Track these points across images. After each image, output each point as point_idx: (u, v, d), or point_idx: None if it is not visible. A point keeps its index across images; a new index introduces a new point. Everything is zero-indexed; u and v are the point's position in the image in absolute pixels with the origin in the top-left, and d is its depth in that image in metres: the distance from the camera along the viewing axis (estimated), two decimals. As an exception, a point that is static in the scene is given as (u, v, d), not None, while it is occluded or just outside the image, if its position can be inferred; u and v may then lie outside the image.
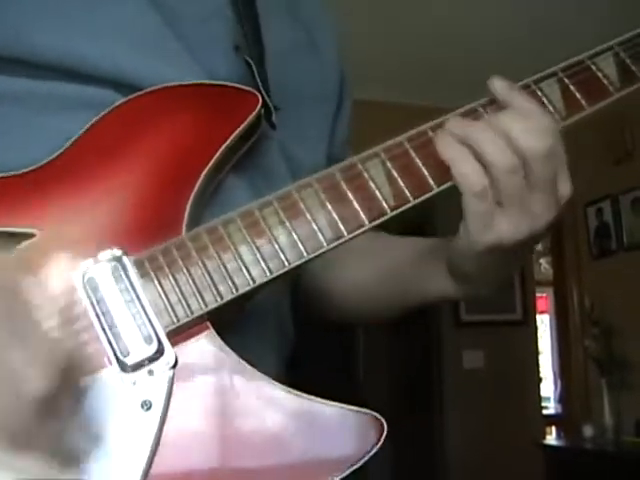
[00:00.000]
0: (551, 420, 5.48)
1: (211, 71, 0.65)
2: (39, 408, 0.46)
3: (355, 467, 0.53)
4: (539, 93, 0.64)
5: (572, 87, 0.65)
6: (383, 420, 0.54)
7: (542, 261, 6.25)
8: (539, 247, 6.03)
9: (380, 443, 0.53)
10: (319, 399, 0.55)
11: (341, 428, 0.54)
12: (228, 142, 0.60)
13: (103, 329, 0.53)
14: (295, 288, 0.78)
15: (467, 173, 0.57)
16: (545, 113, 0.60)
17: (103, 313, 0.53)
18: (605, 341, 3.69)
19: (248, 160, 0.65)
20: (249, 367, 0.55)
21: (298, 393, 0.55)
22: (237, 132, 0.60)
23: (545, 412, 5.08)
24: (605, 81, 0.66)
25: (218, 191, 0.63)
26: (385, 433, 0.53)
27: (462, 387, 3.97)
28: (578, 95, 0.64)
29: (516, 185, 0.56)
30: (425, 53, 3.34)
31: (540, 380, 4.45)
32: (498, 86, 0.61)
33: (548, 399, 6.53)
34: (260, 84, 0.68)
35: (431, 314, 4.14)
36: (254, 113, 0.61)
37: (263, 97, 0.64)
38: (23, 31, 0.62)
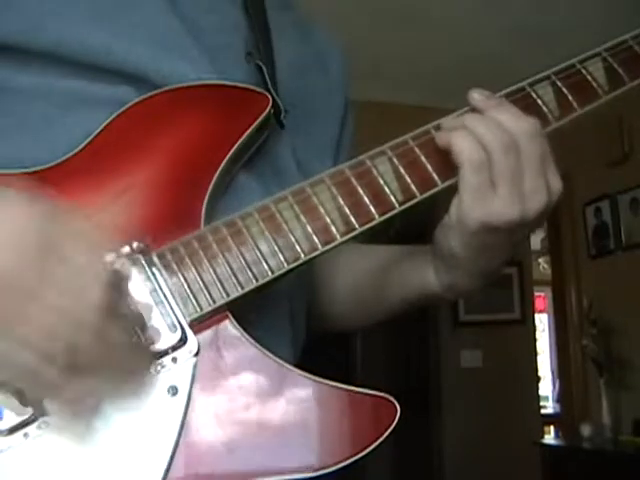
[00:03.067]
0: (549, 419, 5.49)
1: (225, 71, 0.68)
2: (100, 317, 0.48)
3: (372, 447, 0.55)
4: (533, 95, 0.68)
5: (564, 89, 0.69)
6: (396, 402, 0.56)
7: (540, 260, 6.26)
8: (537, 247, 6.04)
9: (394, 424, 0.55)
10: (336, 383, 0.57)
11: (357, 410, 0.57)
12: (241, 140, 0.63)
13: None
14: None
15: (465, 147, 0.61)
16: (526, 117, 0.63)
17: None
18: (603, 341, 3.69)
19: (260, 158, 0.68)
20: (268, 352, 0.57)
21: (316, 378, 0.57)
22: (249, 130, 0.63)
23: (543, 411, 5.09)
24: (594, 84, 0.70)
25: (231, 186, 0.65)
26: (398, 415, 0.55)
27: (460, 387, 3.97)
28: (570, 97, 0.69)
29: (509, 164, 0.60)
30: (431, 54, 3.34)
31: (538, 379, 4.45)
32: (477, 97, 0.65)
33: (546, 398, 6.55)
34: (270, 86, 0.70)
35: (430, 314, 4.14)
36: (265, 112, 0.64)
37: (273, 97, 0.66)
38: (48, 24, 0.63)
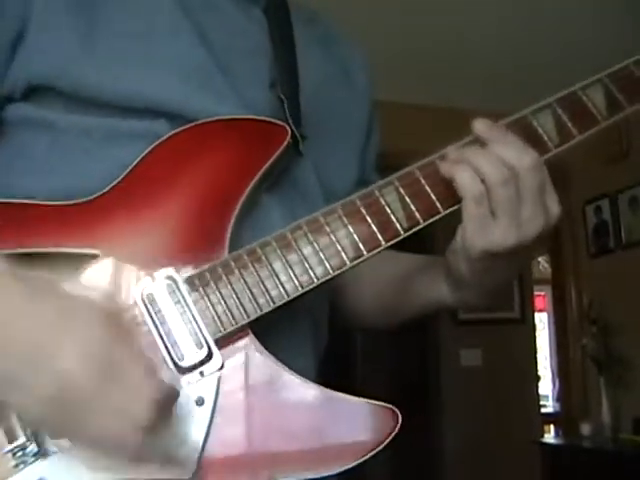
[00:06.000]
0: (549, 418, 5.49)
1: (249, 103, 0.74)
2: (146, 433, 0.55)
3: (376, 451, 0.63)
4: (535, 123, 0.72)
5: (564, 117, 0.73)
6: (398, 412, 0.64)
7: (540, 259, 6.26)
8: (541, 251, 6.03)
9: (396, 431, 0.63)
10: (344, 394, 0.65)
11: (362, 419, 0.65)
12: (262, 170, 0.69)
13: (161, 337, 0.63)
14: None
15: (467, 181, 0.66)
16: (527, 150, 0.68)
17: (161, 323, 0.63)
18: (603, 339, 3.69)
19: (282, 180, 0.74)
20: (284, 366, 0.65)
21: (325, 389, 0.65)
22: (270, 161, 0.69)
23: (543, 410, 5.09)
24: (594, 110, 0.74)
25: (255, 210, 0.71)
26: (400, 423, 0.63)
27: (460, 385, 3.97)
28: (569, 124, 0.73)
29: (508, 196, 0.65)
30: (436, 53, 3.33)
31: (538, 378, 4.45)
32: (480, 128, 0.69)
33: (546, 397, 6.55)
34: (289, 117, 0.76)
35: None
36: (284, 144, 0.70)
37: (292, 129, 0.72)
38: (91, 69, 0.69)
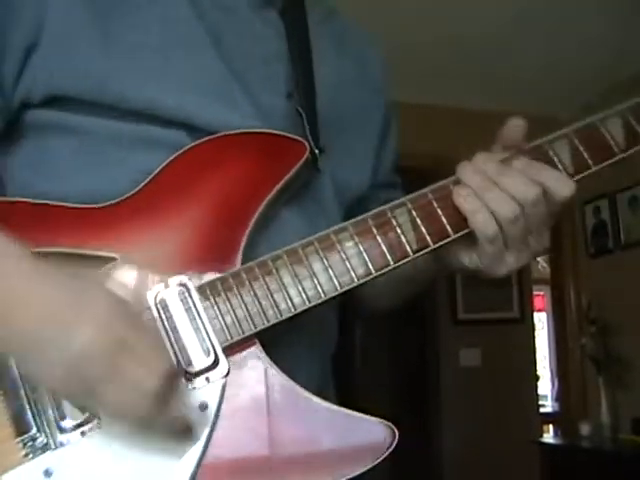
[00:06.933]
0: (548, 418, 5.49)
1: (267, 116, 0.75)
2: (156, 399, 0.58)
3: (372, 466, 0.65)
4: (551, 152, 0.73)
5: (581, 147, 0.73)
6: (395, 428, 0.65)
7: (539, 259, 6.25)
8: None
9: (392, 447, 0.65)
10: (344, 409, 0.66)
11: (360, 433, 0.66)
12: (279, 186, 0.70)
13: (170, 342, 0.65)
14: None
15: (481, 223, 0.69)
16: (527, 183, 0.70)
17: (171, 329, 0.65)
18: (602, 339, 3.70)
19: (300, 191, 0.75)
20: (286, 377, 0.66)
21: (325, 402, 0.66)
22: (287, 177, 0.71)
23: (542, 410, 5.09)
24: (612, 142, 0.75)
25: (273, 221, 0.72)
26: (397, 439, 0.65)
27: (459, 385, 3.97)
28: (586, 155, 0.74)
29: (518, 231, 0.69)
30: (441, 53, 3.33)
31: (537, 378, 4.45)
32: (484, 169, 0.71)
33: (545, 397, 6.55)
34: (308, 131, 0.77)
35: (428, 312, 4.14)
36: (302, 161, 0.71)
37: (310, 145, 0.73)
38: (111, 82, 0.71)
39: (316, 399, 0.66)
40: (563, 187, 0.70)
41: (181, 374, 0.64)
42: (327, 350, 0.83)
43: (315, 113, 0.80)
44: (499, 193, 0.68)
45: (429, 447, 4.04)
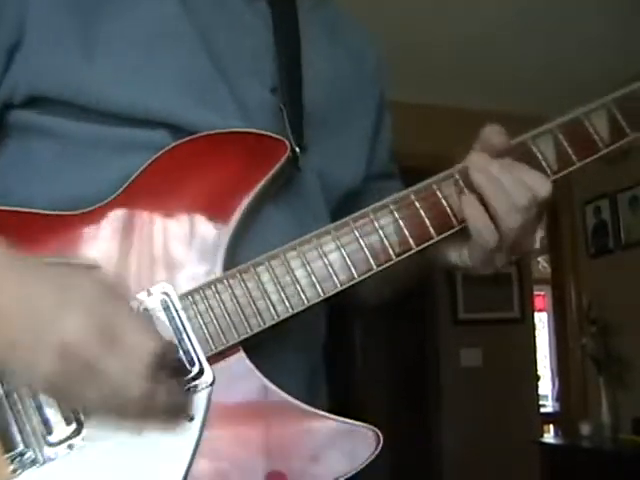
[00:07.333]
0: (549, 418, 5.49)
1: (252, 112, 0.74)
2: (148, 378, 0.58)
3: (356, 470, 0.65)
4: (534, 149, 0.72)
5: (565, 143, 0.72)
6: (380, 433, 0.65)
7: (540, 259, 6.26)
8: (537, 245, 6.04)
9: (377, 451, 0.64)
10: (327, 414, 0.66)
11: (347, 438, 0.65)
12: (260, 185, 0.69)
13: None
14: None
15: (482, 229, 0.68)
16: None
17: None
18: (603, 339, 3.69)
19: (285, 187, 0.74)
20: (272, 384, 0.65)
21: (309, 408, 0.66)
22: (268, 177, 0.69)
23: (543, 410, 5.09)
24: (596, 137, 0.73)
25: (257, 220, 0.71)
26: (381, 444, 0.64)
27: (460, 385, 3.97)
28: (570, 150, 0.72)
29: (515, 236, 0.68)
30: (441, 53, 3.33)
31: (538, 378, 4.45)
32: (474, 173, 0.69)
33: (546, 397, 6.55)
34: (289, 128, 0.75)
35: (428, 312, 4.14)
36: (283, 159, 0.70)
37: (291, 144, 0.72)
38: (92, 84, 0.69)
39: (302, 405, 0.66)
40: (541, 188, 0.69)
41: (172, 353, 0.63)
42: (315, 348, 0.81)
43: (301, 108, 0.78)
44: (507, 202, 0.68)
45: (429, 447, 4.04)
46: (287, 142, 0.70)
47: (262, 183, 0.69)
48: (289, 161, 0.71)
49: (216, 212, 0.68)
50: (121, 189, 0.67)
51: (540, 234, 5.42)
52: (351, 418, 0.66)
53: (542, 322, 6.98)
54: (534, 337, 4.33)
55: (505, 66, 3.49)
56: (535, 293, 4.69)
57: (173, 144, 0.69)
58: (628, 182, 3.66)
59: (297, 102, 0.78)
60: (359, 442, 0.65)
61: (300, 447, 0.65)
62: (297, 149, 0.75)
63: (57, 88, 0.70)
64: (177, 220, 0.67)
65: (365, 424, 0.65)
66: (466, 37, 3.18)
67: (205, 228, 0.67)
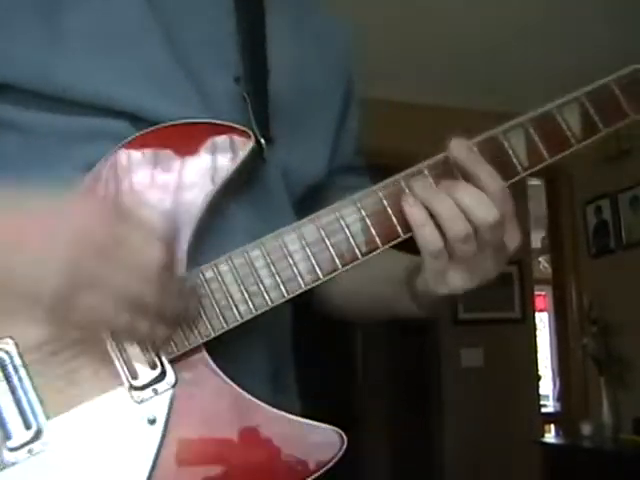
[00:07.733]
0: (550, 418, 5.48)
1: (214, 103, 0.72)
2: (159, 274, 0.58)
3: (320, 472, 0.64)
4: (506, 144, 0.69)
5: (536, 138, 0.70)
6: (344, 435, 0.64)
7: (541, 259, 6.25)
8: (538, 245, 6.04)
9: (341, 453, 0.64)
10: (291, 415, 0.65)
11: (311, 439, 0.65)
12: (224, 179, 0.67)
13: (116, 355, 0.63)
14: None
15: (426, 236, 0.65)
16: (496, 179, 0.66)
17: (116, 342, 0.63)
18: (604, 339, 3.69)
19: (248, 183, 0.72)
20: (235, 385, 0.64)
21: (272, 409, 0.65)
22: (232, 169, 0.67)
23: (544, 410, 5.08)
24: (568, 133, 0.71)
25: (220, 215, 0.69)
26: (345, 446, 0.64)
27: (460, 385, 3.97)
28: (541, 146, 0.70)
29: (468, 250, 0.64)
30: (439, 52, 3.33)
31: (539, 378, 4.45)
32: (456, 150, 0.66)
33: (547, 397, 6.54)
34: (253, 119, 0.73)
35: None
36: (247, 151, 0.68)
37: (255, 134, 0.70)
38: (54, 72, 0.68)
39: (265, 406, 0.65)
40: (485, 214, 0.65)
41: (176, 257, 0.62)
42: (280, 348, 0.80)
43: (266, 98, 0.76)
44: (450, 207, 0.64)
45: (431, 447, 4.04)
46: (251, 133, 0.69)
47: (225, 177, 0.67)
48: (254, 153, 0.69)
49: (178, 208, 0.66)
50: (83, 180, 0.66)
51: (541, 234, 5.42)
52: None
53: (543, 322, 6.98)
54: (535, 337, 4.33)
55: (505, 66, 3.48)
56: (536, 293, 4.68)
57: (136, 134, 0.67)
58: (629, 182, 3.66)
59: (262, 92, 0.76)
60: (323, 443, 0.64)
61: (267, 449, 0.64)
62: (262, 140, 0.73)
63: (19, 76, 0.69)
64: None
65: (329, 426, 0.65)
66: (466, 37, 3.18)
67: (165, 223, 0.65)
